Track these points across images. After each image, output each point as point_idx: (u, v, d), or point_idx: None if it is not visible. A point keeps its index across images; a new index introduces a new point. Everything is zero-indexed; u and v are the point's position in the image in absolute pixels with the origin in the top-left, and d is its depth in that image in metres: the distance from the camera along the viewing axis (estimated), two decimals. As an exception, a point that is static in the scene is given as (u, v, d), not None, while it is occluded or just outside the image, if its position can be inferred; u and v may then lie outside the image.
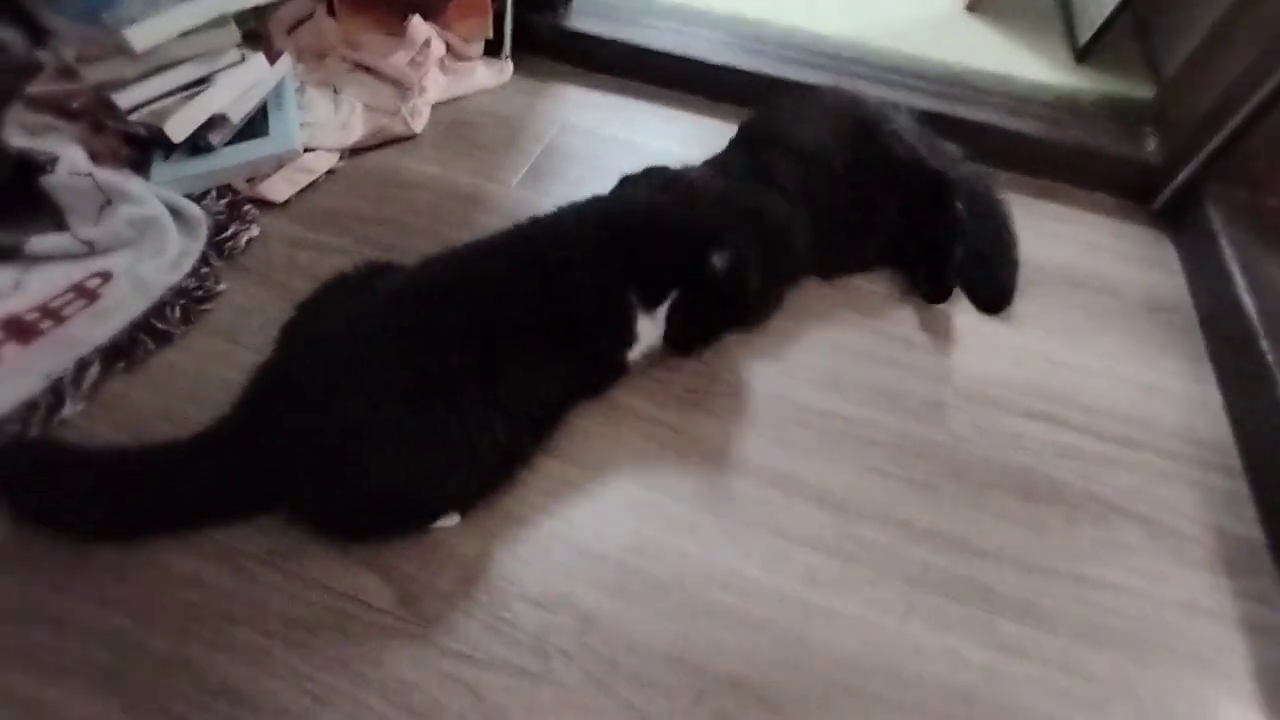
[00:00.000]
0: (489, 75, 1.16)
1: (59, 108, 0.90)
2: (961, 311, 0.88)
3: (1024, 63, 1.22)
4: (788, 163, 0.85)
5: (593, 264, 0.68)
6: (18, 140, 0.86)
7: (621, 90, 1.19)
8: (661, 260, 0.71)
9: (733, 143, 0.94)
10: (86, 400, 0.71)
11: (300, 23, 1.14)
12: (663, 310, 0.72)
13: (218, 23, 0.90)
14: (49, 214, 0.85)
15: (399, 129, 1.03)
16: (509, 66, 1.19)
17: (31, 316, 0.77)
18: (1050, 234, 0.99)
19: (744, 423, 0.74)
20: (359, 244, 0.89)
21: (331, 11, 1.16)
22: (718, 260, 0.70)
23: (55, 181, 0.84)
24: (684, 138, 1.11)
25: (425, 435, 0.58)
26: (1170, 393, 0.80)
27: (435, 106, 1.10)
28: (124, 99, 0.85)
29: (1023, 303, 0.89)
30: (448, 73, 1.15)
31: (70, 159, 0.86)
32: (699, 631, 0.59)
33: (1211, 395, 0.80)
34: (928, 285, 0.89)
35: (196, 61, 0.89)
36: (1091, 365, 0.82)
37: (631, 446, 0.71)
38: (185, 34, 0.87)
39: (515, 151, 1.05)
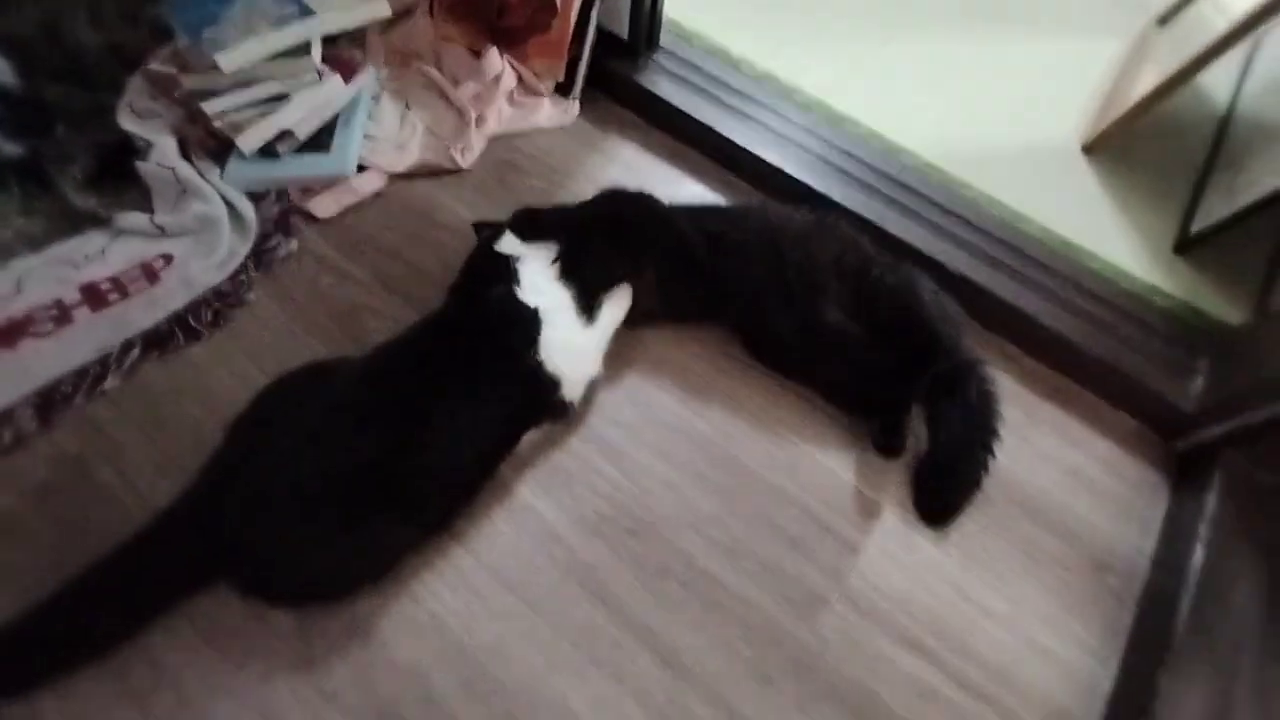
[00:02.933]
0: (553, 114, 1.19)
1: (166, 89, 1.03)
2: (897, 500, 0.88)
3: (1112, 233, 1.11)
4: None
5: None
6: (127, 122, 1.00)
7: (677, 159, 1.19)
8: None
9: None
10: (123, 379, 0.87)
11: (401, 18, 1.20)
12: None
13: (301, 48, 0.98)
14: (139, 194, 1.00)
15: (447, 163, 1.10)
16: (575, 107, 1.21)
17: (105, 286, 0.93)
18: (1040, 452, 0.94)
19: (633, 563, 0.80)
20: (376, 280, 0.99)
21: (431, 12, 1.22)
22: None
23: (145, 167, 0.98)
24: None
25: (343, 544, 0.70)
26: (1060, 662, 0.79)
27: (492, 140, 1.15)
28: (210, 106, 0.96)
29: (966, 518, 0.88)
30: (514, 104, 1.18)
31: (162, 148, 0.99)
32: (513, 746, 0.69)
33: (1101, 677, 0.79)
34: (881, 435, 0.90)
35: (278, 80, 0.98)
36: (996, 609, 0.82)
37: (526, 555, 0.80)
38: (271, 57, 0.96)
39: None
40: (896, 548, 0.85)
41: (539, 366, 0.81)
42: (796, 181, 1.10)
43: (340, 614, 0.74)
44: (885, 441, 0.89)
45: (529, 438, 0.83)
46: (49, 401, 0.83)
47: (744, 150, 1.13)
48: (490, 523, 0.81)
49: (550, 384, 0.82)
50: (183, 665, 0.69)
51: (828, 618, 0.79)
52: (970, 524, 0.88)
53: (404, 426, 0.73)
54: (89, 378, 0.85)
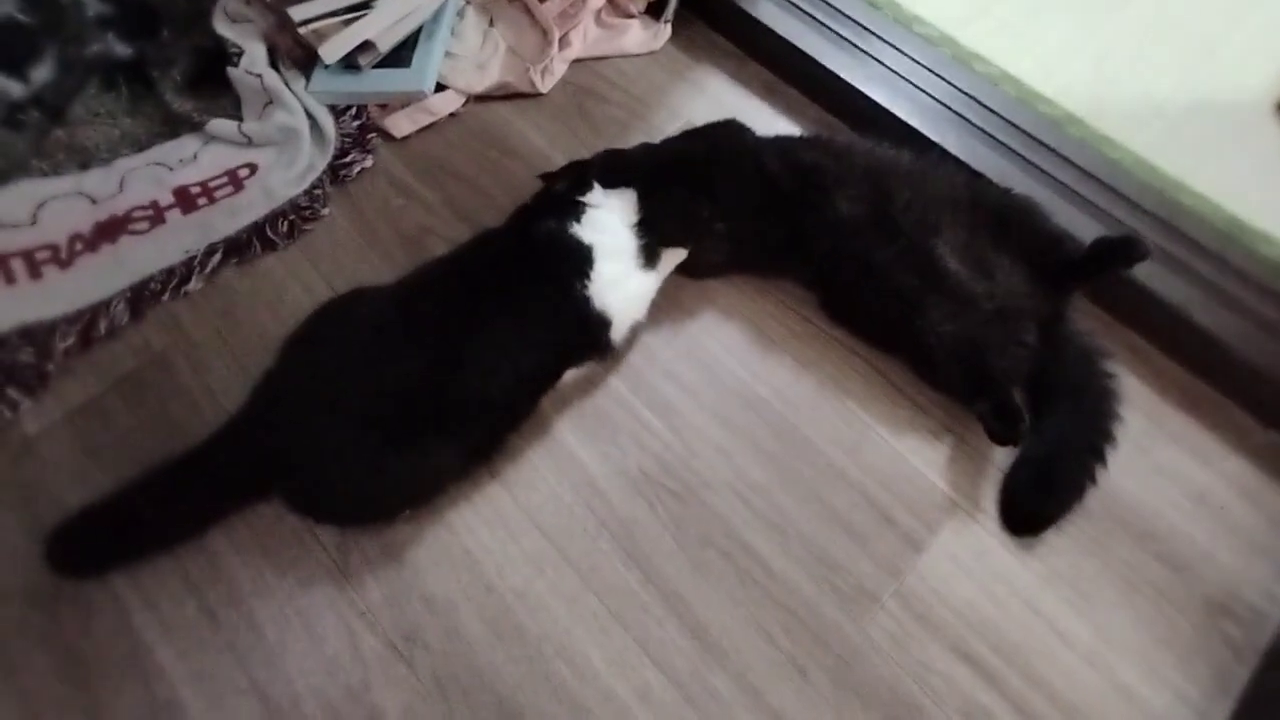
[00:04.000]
0: (642, 38, 1.10)
1: (259, -7, 1.02)
2: (973, 498, 0.79)
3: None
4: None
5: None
6: (221, 27, 1.00)
7: (772, 95, 1.08)
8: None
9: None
10: (206, 282, 0.90)
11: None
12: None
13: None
14: (230, 101, 1.01)
15: (525, 87, 1.04)
16: (666, 31, 1.11)
17: (195, 190, 0.96)
18: (1160, 466, 0.81)
19: (673, 525, 0.77)
20: (445, 204, 0.97)
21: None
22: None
23: (235, 74, 0.98)
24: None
25: (386, 467, 0.69)
26: (1147, 710, 0.69)
27: (575, 63, 1.08)
28: (298, 13, 0.95)
29: (1055, 529, 0.77)
30: (601, 25, 1.10)
31: (252, 54, 1.00)
32: (530, 689, 0.69)
33: (1201, 737, 0.68)
34: (995, 417, 0.75)
35: (363, -15, 0.95)
36: (1078, 637, 0.72)
37: (565, 503, 0.78)
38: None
39: (624, 143, 1.02)
40: (965, 551, 0.76)
41: (588, 302, 0.77)
42: (907, 127, 0.97)
43: (379, 536, 0.75)
44: (1001, 425, 0.75)
45: (571, 376, 0.80)
46: (140, 296, 0.87)
47: (850, 88, 1.00)
48: (531, 465, 0.79)
49: (599, 321, 0.78)
50: (236, 564, 0.73)
51: (878, 616, 0.73)
52: (1060, 537, 0.77)
53: (448, 346, 0.72)
54: (175, 277, 0.89)
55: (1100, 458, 0.77)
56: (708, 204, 0.84)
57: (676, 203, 0.83)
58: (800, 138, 0.90)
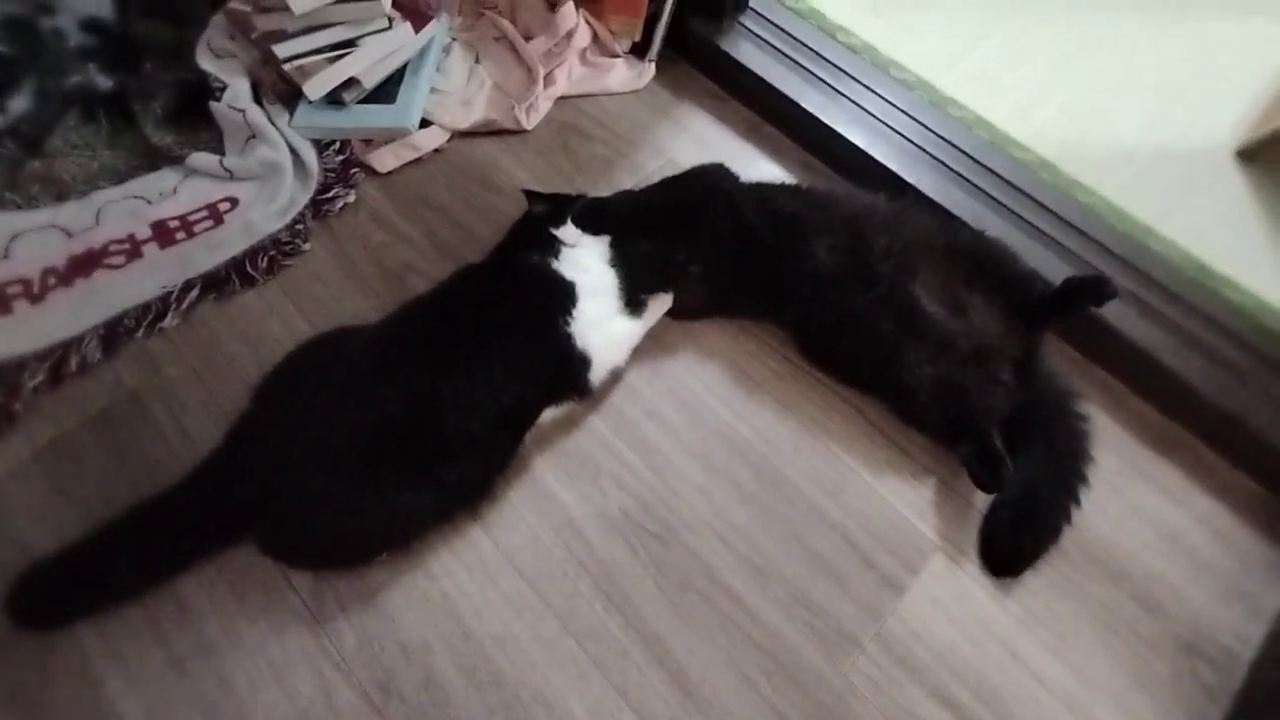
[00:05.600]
0: (626, 77, 1.12)
1: (243, 29, 1.03)
2: (953, 540, 0.79)
3: (1263, 259, 0.94)
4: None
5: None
6: (205, 61, 1.00)
7: (753, 134, 1.10)
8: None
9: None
10: (182, 318, 0.89)
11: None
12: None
13: (372, -7, 0.94)
14: (211, 135, 1.01)
15: (510, 124, 1.05)
16: (650, 70, 1.13)
17: (174, 224, 0.95)
18: (1134, 507, 0.82)
19: (654, 568, 0.76)
20: (427, 239, 0.97)
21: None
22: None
23: (218, 109, 0.98)
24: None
25: (363, 511, 0.69)
26: (1126, 756, 0.69)
27: (560, 100, 1.10)
28: (281, 50, 0.95)
29: (1033, 572, 0.78)
30: (586, 64, 1.12)
31: (236, 90, 0.99)
32: (507, 739, 0.67)
33: (1176, 781, 0.69)
34: (978, 463, 0.76)
35: (347, 25, 0.96)
36: (1056, 681, 0.72)
37: (545, 544, 0.77)
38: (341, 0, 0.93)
39: (608, 181, 1.03)
40: (945, 594, 0.77)
41: (569, 340, 0.77)
42: (884, 169, 0.99)
43: (355, 580, 0.73)
44: (985, 471, 0.76)
45: (550, 415, 0.80)
46: (114, 333, 0.86)
47: (829, 129, 1.03)
48: (511, 506, 0.79)
49: (579, 361, 0.78)
50: (206, 611, 0.71)
51: (858, 660, 0.72)
52: (1037, 578, 0.78)
53: (428, 386, 0.71)
54: (151, 313, 0.88)
55: (1075, 498, 0.78)
56: (683, 250, 0.85)
57: (647, 249, 0.84)
58: (781, 186, 0.91)
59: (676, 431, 0.85)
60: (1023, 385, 0.82)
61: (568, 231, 0.84)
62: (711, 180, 0.87)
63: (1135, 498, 0.83)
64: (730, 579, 0.76)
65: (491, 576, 0.75)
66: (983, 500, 0.81)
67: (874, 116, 1.03)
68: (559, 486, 0.80)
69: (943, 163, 1.00)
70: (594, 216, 0.85)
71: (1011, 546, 0.77)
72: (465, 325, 0.75)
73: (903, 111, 1.04)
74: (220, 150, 1.00)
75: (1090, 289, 0.82)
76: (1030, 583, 0.78)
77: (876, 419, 0.87)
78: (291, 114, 1.01)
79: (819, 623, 0.74)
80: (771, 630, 0.73)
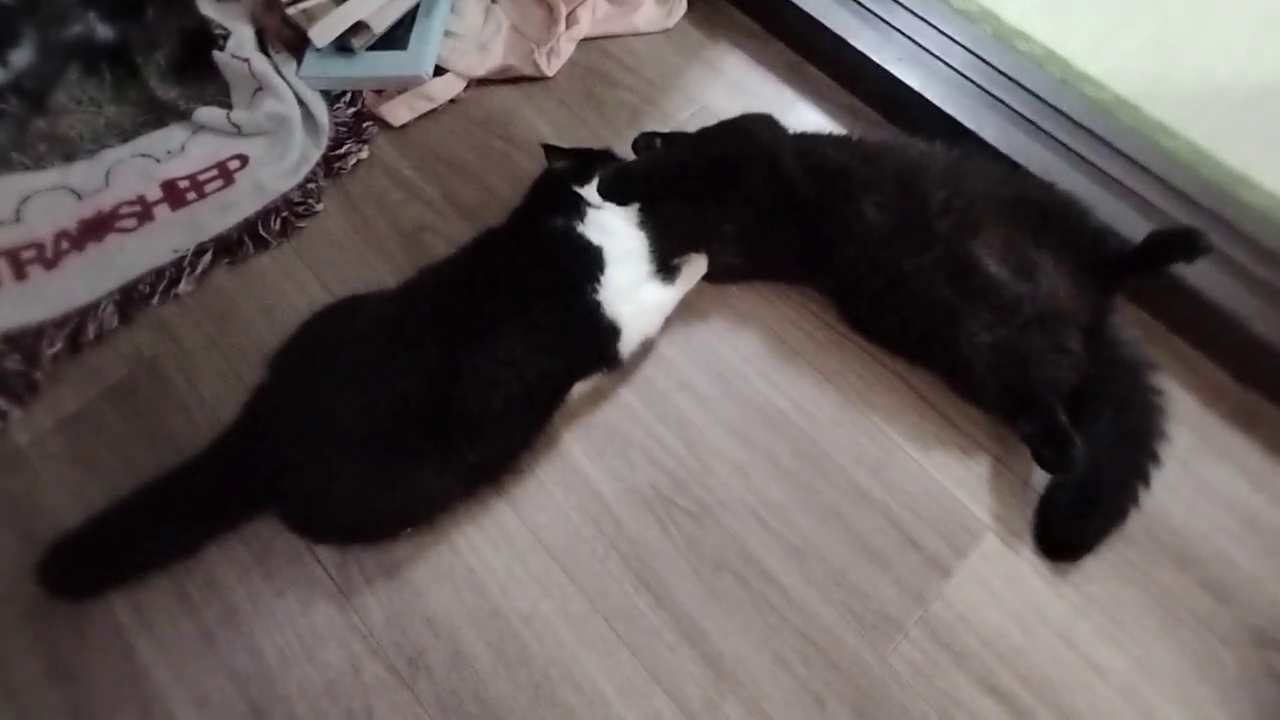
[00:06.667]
0: (655, 15, 1.03)
1: (246, -29, 0.96)
2: (1004, 520, 0.74)
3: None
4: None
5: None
6: (206, 7, 0.94)
7: (795, 77, 1.01)
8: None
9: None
10: (196, 284, 0.86)
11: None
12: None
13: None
14: (218, 88, 0.96)
15: (529, 70, 0.97)
16: (681, 6, 1.04)
17: (184, 184, 0.91)
18: (1207, 487, 0.76)
19: (687, 548, 0.73)
20: (445, 199, 0.91)
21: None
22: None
23: (222, 59, 0.93)
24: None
25: (383, 488, 0.66)
26: (1188, 749, 0.65)
27: (583, 42, 1.01)
28: (285, -9, 0.88)
29: (1095, 556, 0.72)
30: (611, 1, 1.03)
31: (239, 38, 0.94)
32: (536, 717, 0.66)
33: (1241, 776, 0.65)
34: (1045, 441, 0.69)
35: (354, -38, 0.88)
36: (1111, 668, 0.68)
37: (573, 522, 0.74)
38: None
39: (636, 130, 0.95)
40: (995, 577, 0.72)
41: (597, 308, 0.72)
42: (940, 112, 0.90)
43: (381, 555, 0.72)
44: (1053, 451, 0.69)
45: (579, 389, 0.76)
46: (129, 299, 0.84)
47: (879, 69, 0.93)
48: (539, 482, 0.76)
49: (609, 331, 0.73)
50: (234, 583, 0.70)
51: (901, 645, 0.69)
52: (1097, 563, 0.73)
53: (449, 358, 0.67)
54: (165, 279, 0.85)
55: (1145, 479, 0.72)
56: (717, 209, 0.78)
57: (679, 208, 0.78)
58: (826, 136, 0.83)
59: (710, 404, 0.80)
60: (1091, 354, 0.75)
61: (592, 191, 0.78)
62: (753, 136, 0.79)
63: (1209, 476, 0.76)
64: (766, 559, 0.73)
65: (518, 553, 0.73)
66: (1041, 479, 0.75)
67: (930, 53, 0.93)
68: (586, 461, 0.77)
69: (1007, 105, 0.90)
70: (622, 185, 0.78)
71: (1072, 530, 0.72)
72: (485, 296, 0.71)
73: (963, 47, 0.93)
74: (227, 104, 0.95)
75: (1180, 243, 0.73)
76: (1089, 567, 0.72)
77: (925, 390, 0.81)
78: (299, 64, 0.95)
79: (859, 605, 0.71)
80: (809, 612, 0.70)
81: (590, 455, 0.77)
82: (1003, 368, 0.73)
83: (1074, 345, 0.74)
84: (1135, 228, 0.80)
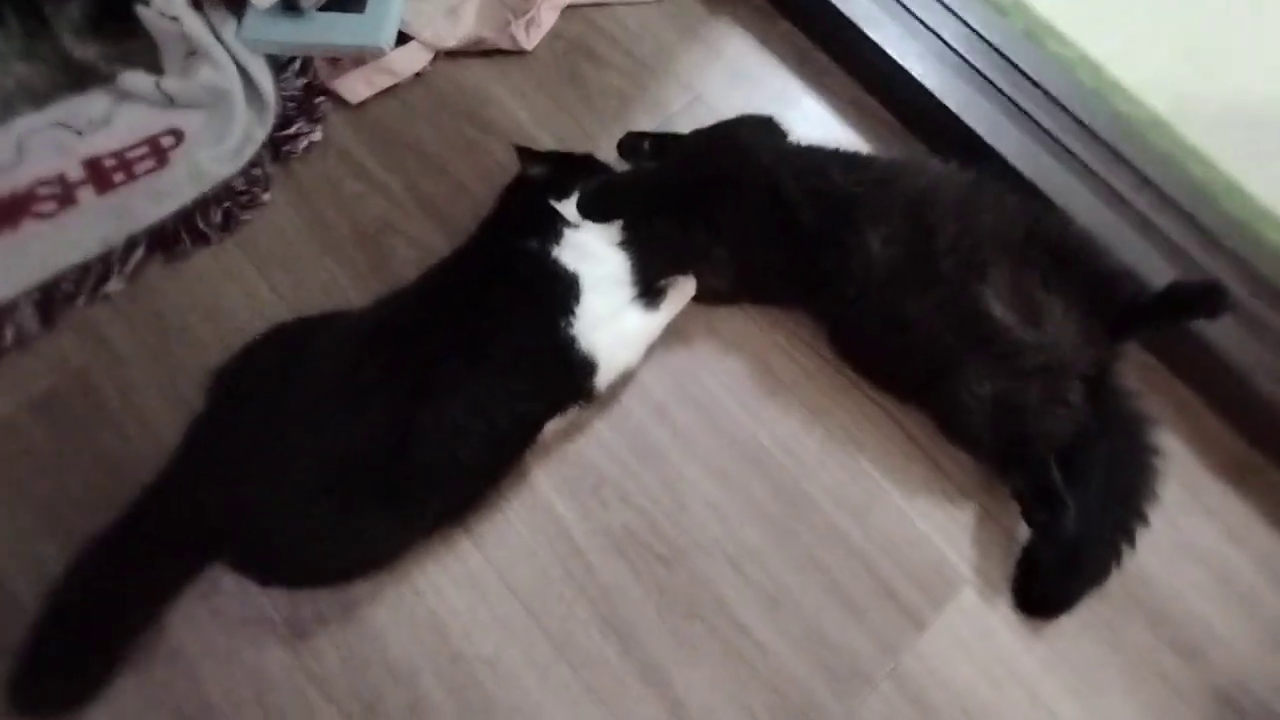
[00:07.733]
0: (651, -18, 0.91)
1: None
2: (983, 573, 0.73)
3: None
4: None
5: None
6: (125, -50, 0.80)
7: (802, 64, 0.91)
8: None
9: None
10: (128, 282, 0.77)
11: None
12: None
13: None
14: (145, 49, 0.83)
15: (505, 44, 0.86)
16: (681, -25, 0.91)
17: (110, 163, 0.81)
18: (1188, 543, 0.74)
19: (657, 593, 0.70)
20: (408, 192, 0.83)
21: None
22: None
23: (147, 15, 0.80)
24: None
25: (335, 536, 0.61)
26: (1140, 809, 0.67)
27: (567, 11, 0.90)
28: (218, -61, 0.75)
29: (1069, 613, 0.71)
30: (602, -36, 0.90)
31: (166, -11, 0.80)
32: (497, 767, 0.65)
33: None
34: (1036, 500, 0.67)
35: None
36: (1075, 727, 0.69)
37: (540, 565, 0.71)
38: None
39: (622, 124, 0.86)
40: (969, 631, 0.71)
41: (572, 344, 0.67)
42: (957, 121, 0.82)
43: (336, 593, 0.68)
44: (1043, 511, 0.67)
45: (550, 426, 0.70)
46: (51, 299, 0.75)
47: (897, 65, 0.84)
48: (505, 519, 0.72)
49: (583, 366, 0.68)
50: (178, 621, 0.65)
51: (870, 700, 0.68)
52: (1069, 618, 0.71)
53: (407, 402, 0.62)
54: (91, 276, 0.76)
55: (1130, 539, 0.70)
56: (704, 231, 0.71)
57: (665, 228, 0.71)
58: (833, 153, 0.75)
59: (689, 437, 0.76)
60: (1091, 406, 0.71)
61: (570, 208, 0.70)
62: (751, 152, 0.71)
63: (1192, 533, 0.75)
64: (739, 607, 0.70)
65: (482, 594, 0.70)
66: (1026, 531, 0.73)
67: (955, 52, 0.84)
68: (556, 498, 0.73)
69: (1030, 116, 0.82)
70: (604, 203, 0.70)
71: (1052, 588, 0.70)
72: (449, 335, 0.64)
73: (990, 45, 0.84)
74: (157, 69, 0.83)
75: (1202, 299, 0.68)
76: (1061, 622, 0.71)
77: (915, 431, 0.77)
78: (240, 24, 0.82)
79: (830, 658, 0.69)
80: (779, 664, 0.69)
81: (560, 491, 0.73)
82: (1001, 419, 0.69)
83: (1074, 397, 0.71)
84: (1155, 268, 0.75)
